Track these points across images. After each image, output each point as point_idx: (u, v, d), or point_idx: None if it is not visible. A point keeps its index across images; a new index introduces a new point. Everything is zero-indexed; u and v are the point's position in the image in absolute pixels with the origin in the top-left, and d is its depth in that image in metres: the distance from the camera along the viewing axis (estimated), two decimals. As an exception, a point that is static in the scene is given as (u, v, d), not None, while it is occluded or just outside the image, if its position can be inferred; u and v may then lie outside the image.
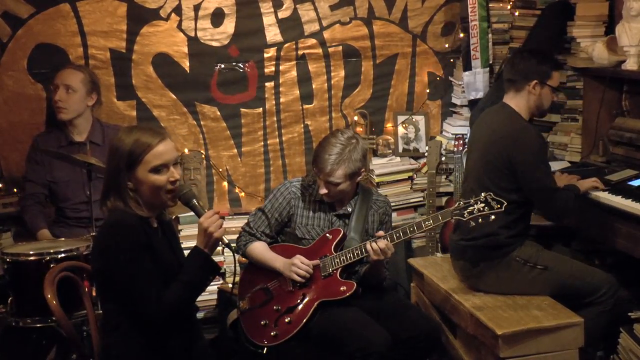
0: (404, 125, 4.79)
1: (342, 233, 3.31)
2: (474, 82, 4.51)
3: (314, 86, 4.68)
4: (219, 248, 4.15)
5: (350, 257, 3.21)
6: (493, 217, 2.94)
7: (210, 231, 2.50)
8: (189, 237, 4.04)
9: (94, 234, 3.42)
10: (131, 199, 2.50)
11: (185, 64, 4.46)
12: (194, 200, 2.58)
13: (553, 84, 3.50)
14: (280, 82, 4.62)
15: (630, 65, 3.77)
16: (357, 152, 3.26)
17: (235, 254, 3.47)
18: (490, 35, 4.52)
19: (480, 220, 2.95)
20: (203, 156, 4.55)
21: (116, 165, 2.50)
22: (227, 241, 2.57)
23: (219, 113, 4.56)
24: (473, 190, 3.14)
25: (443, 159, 4.58)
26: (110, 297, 2.54)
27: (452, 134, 4.63)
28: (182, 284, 2.50)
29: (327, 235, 3.33)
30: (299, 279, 3.23)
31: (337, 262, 3.24)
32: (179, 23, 4.41)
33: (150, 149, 2.49)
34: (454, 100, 4.80)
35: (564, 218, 3.54)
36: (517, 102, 3.49)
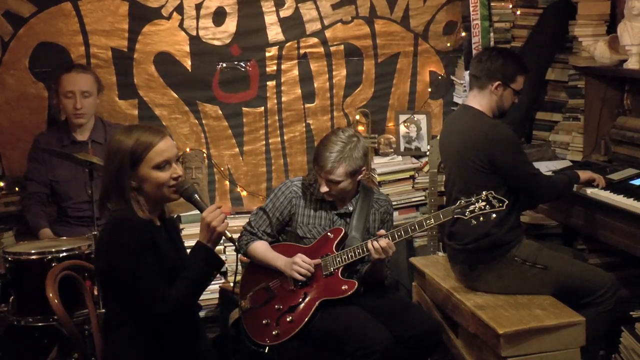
0: (405, 125, 4.79)
1: (343, 232, 3.31)
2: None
3: (315, 85, 4.68)
4: (220, 247, 4.19)
5: (351, 255, 3.21)
6: (495, 215, 2.93)
7: (213, 225, 2.49)
8: (190, 236, 4.02)
9: (95, 233, 3.42)
10: (133, 199, 2.50)
11: (187, 63, 4.47)
12: (196, 196, 2.57)
13: (516, 87, 3.47)
14: (282, 81, 4.63)
15: (632, 64, 3.76)
16: (357, 150, 3.26)
17: (238, 251, 3.51)
18: (492, 35, 4.51)
19: (481, 218, 2.94)
20: (205, 155, 4.56)
21: (118, 166, 2.49)
22: (230, 235, 2.57)
23: (220, 112, 4.57)
24: (458, 197, 3.13)
25: (445, 158, 4.58)
26: (113, 296, 2.53)
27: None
28: (187, 281, 2.49)
29: (329, 234, 3.32)
30: (300, 277, 3.23)
31: (339, 261, 3.24)
32: (181, 22, 4.42)
33: (152, 147, 2.49)
34: (455, 100, 4.80)
35: (553, 199, 3.61)
36: (480, 101, 3.48)
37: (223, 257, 4.21)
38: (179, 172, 2.54)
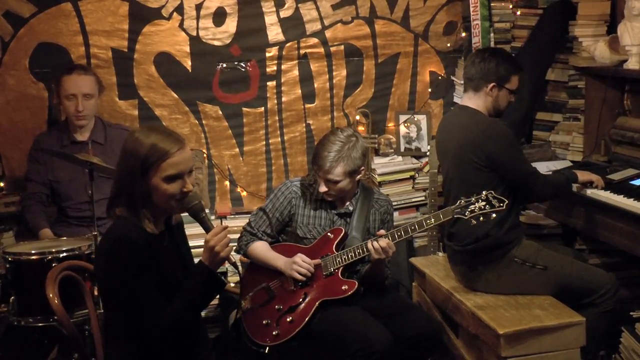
0: (405, 125, 4.79)
1: (343, 232, 3.31)
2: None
3: (315, 85, 4.68)
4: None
5: (351, 256, 3.21)
6: (494, 215, 2.93)
7: (217, 250, 2.40)
8: (189, 237, 4.00)
9: (95, 233, 3.42)
10: (140, 206, 2.42)
11: (187, 63, 4.47)
12: (203, 214, 2.49)
13: (511, 87, 3.47)
14: (282, 81, 4.63)
15: (632, 64, 3.76)
16: (356, 150, 3.26)
17: (238, 252, 3.51)
18: (492, 35, 4.51)
19: (481, 218, 2.94)
20: (205, 155, 4.56)
21: (130, 170, 2.40)
22: (233, 260, 2.50)
23: (220, 112, 4.57)
24: (457, 197, 3.13)
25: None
26: (111, 306, 2.50)
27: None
28: (184, 302, 2.42)
29: (329, 234, 3.33)
30: (300, 277, 3.23)
31: (339, 261, 3.24)
32: (181, 22, 4.42)
33: (168, 157, 2.38)
34: (455, 100, 4.79)
35: (550, 197, 3.63)
36: (476, 102, 3.48)
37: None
38: (190, 187, 2.45)
